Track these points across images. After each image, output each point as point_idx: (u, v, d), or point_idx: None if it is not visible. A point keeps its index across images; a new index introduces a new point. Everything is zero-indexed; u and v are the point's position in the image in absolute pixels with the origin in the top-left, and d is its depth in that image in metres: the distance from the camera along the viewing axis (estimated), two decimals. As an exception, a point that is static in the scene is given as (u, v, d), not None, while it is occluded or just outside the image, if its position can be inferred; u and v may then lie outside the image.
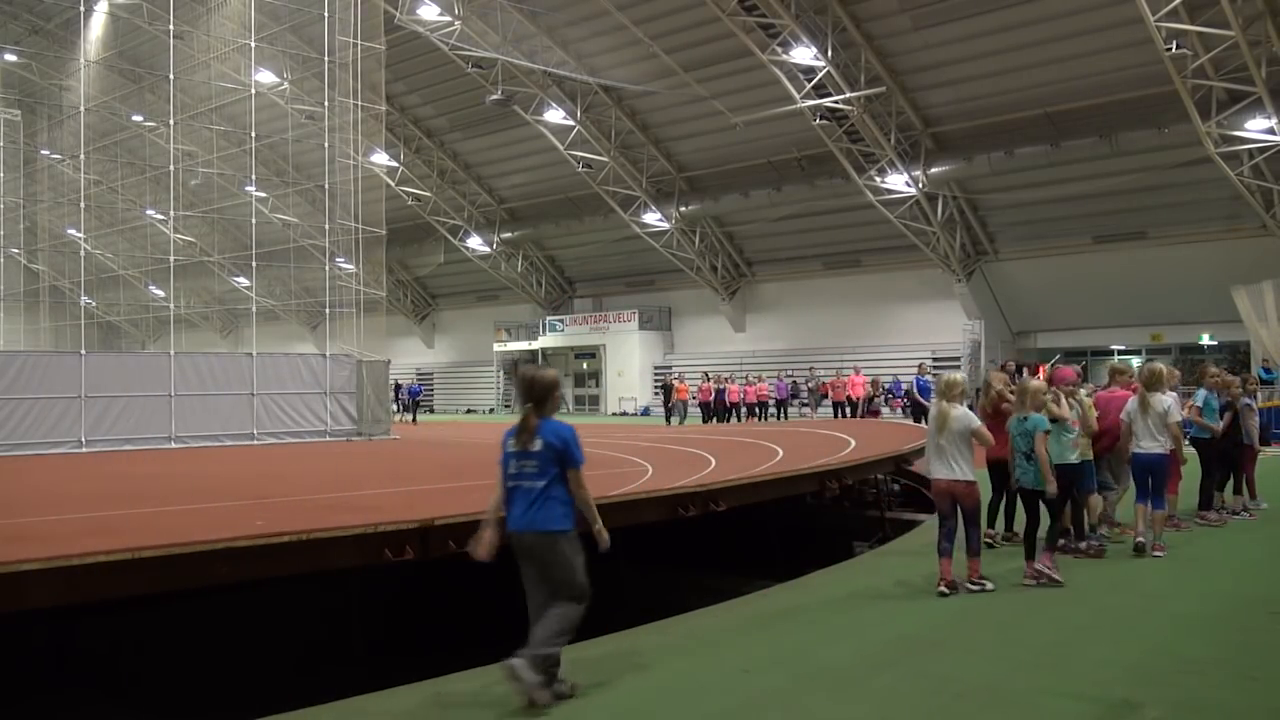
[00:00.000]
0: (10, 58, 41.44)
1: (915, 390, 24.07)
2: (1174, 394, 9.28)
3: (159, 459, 18.49)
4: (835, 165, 29.55)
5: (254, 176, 29.52)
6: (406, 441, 23.92)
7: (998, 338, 31.82)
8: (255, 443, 22.27)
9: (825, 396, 30.91)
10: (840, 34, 26.62)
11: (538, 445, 5.17)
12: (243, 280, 42.56)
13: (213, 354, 26.94)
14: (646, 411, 38.36)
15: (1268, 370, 23.14)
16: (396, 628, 9.70)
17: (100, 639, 8.42)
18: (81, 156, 29.59)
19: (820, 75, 26.74)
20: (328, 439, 23.41)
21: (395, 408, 33.67)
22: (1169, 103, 23.68)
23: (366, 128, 26.84)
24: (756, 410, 31.48)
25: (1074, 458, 8.21)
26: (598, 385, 41.97)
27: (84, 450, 20.06)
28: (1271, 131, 22.67)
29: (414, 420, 37.22)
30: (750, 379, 32.54)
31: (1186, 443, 9.51)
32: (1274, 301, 24.35)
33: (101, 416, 20.70)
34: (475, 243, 41.84)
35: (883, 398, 30.08)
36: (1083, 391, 9.14)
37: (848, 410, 29.18)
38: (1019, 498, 8.30)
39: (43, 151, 43.45)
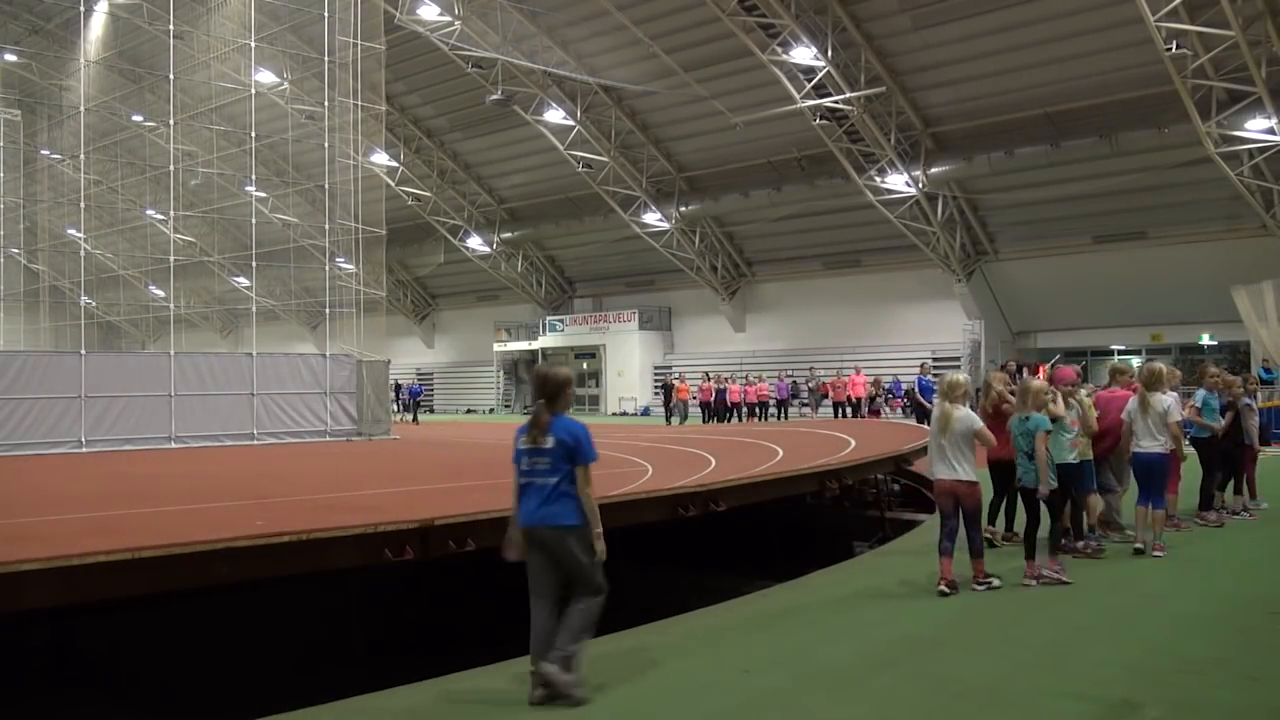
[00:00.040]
0: (10, 58, 41.43)
1: (917, 390, 24.09)
2: (1174, 394, 9.29)
3: (159, 459, 18.49)
4: (835, 165, 29.55)
5: (254, 176, 29.52)
6: (406, 441, 23.92)
7: (998, 338, 31.82)
8: (255, 443, 22.27)
9: (825, 396, 30.91)
10: (840, 34, 26.61)
11: (550, 442, 5.22)
12: (243, 280, 42.56)
13: (213, 354, 26.94)
14: (646, 411, 38.36)
15: (1268, 370, 23.13)
16: (396, 628, 9.71)
17: (100, 639, 8.42)
18: (81, 156, 29.57)
19: (820, 75, 26.73)
20: (328, 439, 23.41)
21: (395, 408, 33.69)
22: (1169, 103, 23.68)
23: (366, 128, 26.84)
24: (757, 410, 31.49)
25: (1072, 457, 8.22)
26: (598, 385, 41.96)
27: (84, 450, 20.05)
28: (1271, 131, 22.67)
29: (415, 420, 37.25)
30: (750, 379, 32.54)
31: (1186, 443, 9.51)
32: (1274, 301, 24.35)
33: (101, 416, 20.70)
34: (475, 243, 41.85)
35: (883, 398, 30.10)
36: (1083, 391, 9.14)
37: (848, 410, 29.17)
38: (1019, 497, 8.32)
39: (43, 151, 43.44)
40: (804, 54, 26.38)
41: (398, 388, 38.98)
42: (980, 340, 30.77)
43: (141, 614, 8.04)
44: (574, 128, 33.34)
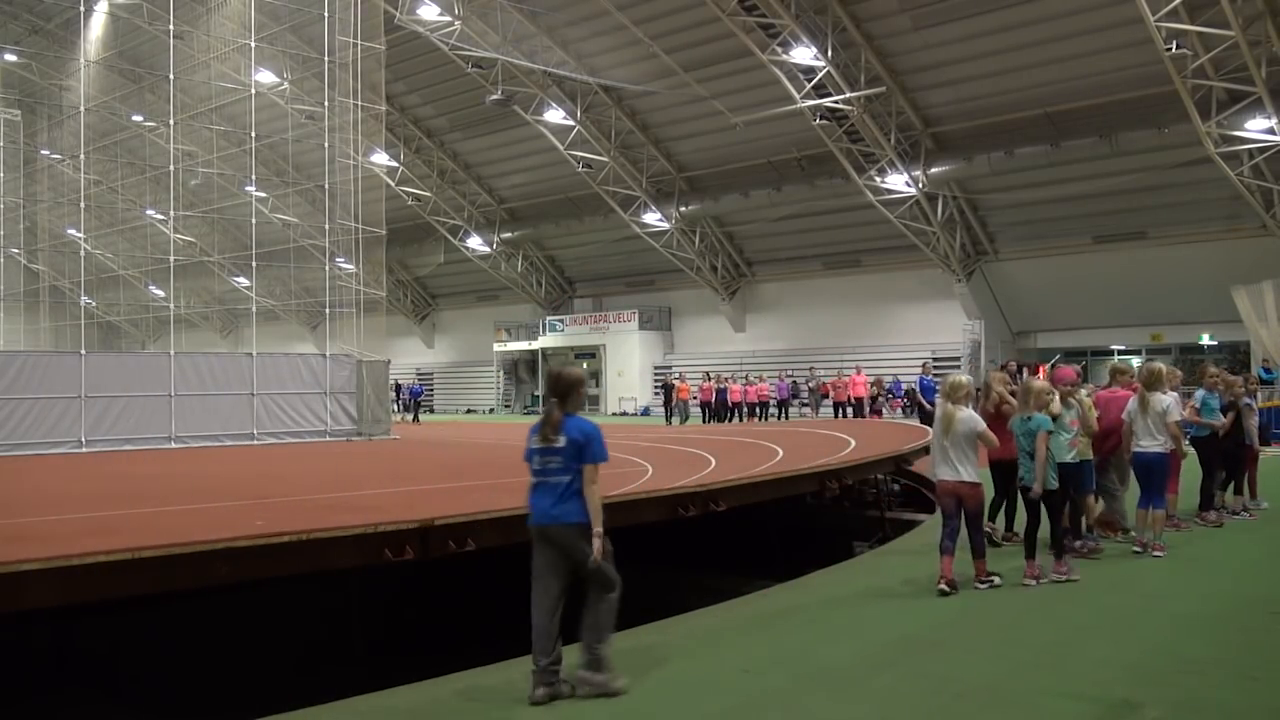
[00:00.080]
0: (10, 58, 41.43)
1: (919, 390, 24.08)
2: (1174, 394, 9.29)
3: (159, 459, 18.49)
4: (835, 165, 29.55)
5: (254, 176, 29.51)
6: (406, 441, 23.92)
7: (998, 338, 31.82)
8: (255, 443, 22.26)
9: (826, 397, 30.91)
10: (840, 34, 26.62)
11: (562, 441, 5.25)
12: (243, 280, 42.56)
13: (213, 354, 26.93)
14: (646, 411, 38.37)
15: (1268, 370, 23.14)
16: (396, 628, 9.71)
17: (100, 639, 8.42)
18: (81, 156, 29.57)
19: (820, 75, 26.73)
20: (328, 439, 23.40)
21: (395, 408, 33.68)
22: (1169, 103, 23.68)
23: (366, 128, 26.83)
24: (757, 410, 31.49)
25: (1070, 457, 8.23)
26: (598, 385, 41.92)
27: (84, 450, 20.04)
28: (1271, 131, 22.67)
29: (416, 420, 37.26)
30: (750, 379, 32.54)
31: (1186, 443, 9.52)
32: (1274, 301, 24.36)
33: (101, 416, 20.69)
34: (475, 243, 41.85)
35: (884, 398, 30.10)
36: (1083, 391, 9.15)
37: (849, 410, 29.16)
38: (1020, 497, 8.33)
39: (43, 151, 43.44)
40: (804, 54, 26.38)
41: (398, 388, 38.99)
42: (980, 340, 30.78)
43: (141, 614, 8.04)
44: (574, 128, 33.34)
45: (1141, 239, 28.76)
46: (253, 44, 26.76)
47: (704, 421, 30.98)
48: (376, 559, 7.19)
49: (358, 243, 25.98)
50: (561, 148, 33.85)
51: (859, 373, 29.81)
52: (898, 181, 29.12)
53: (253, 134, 27.22)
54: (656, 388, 38.30)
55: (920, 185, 29.09)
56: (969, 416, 7.51)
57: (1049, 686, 5.33)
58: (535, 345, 43.06)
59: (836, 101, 27.11)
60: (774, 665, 5.82)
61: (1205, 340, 28.73)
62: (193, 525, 8.61)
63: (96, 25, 37.57)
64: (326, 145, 26.87)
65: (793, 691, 5.34)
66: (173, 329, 29.01)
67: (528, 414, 43.01)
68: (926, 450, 14.15)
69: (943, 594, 7.26)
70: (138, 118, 40.67)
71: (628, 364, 40.26)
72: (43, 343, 40.09)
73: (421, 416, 38.93)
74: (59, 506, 10.83)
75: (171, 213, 29.83)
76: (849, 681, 5.55)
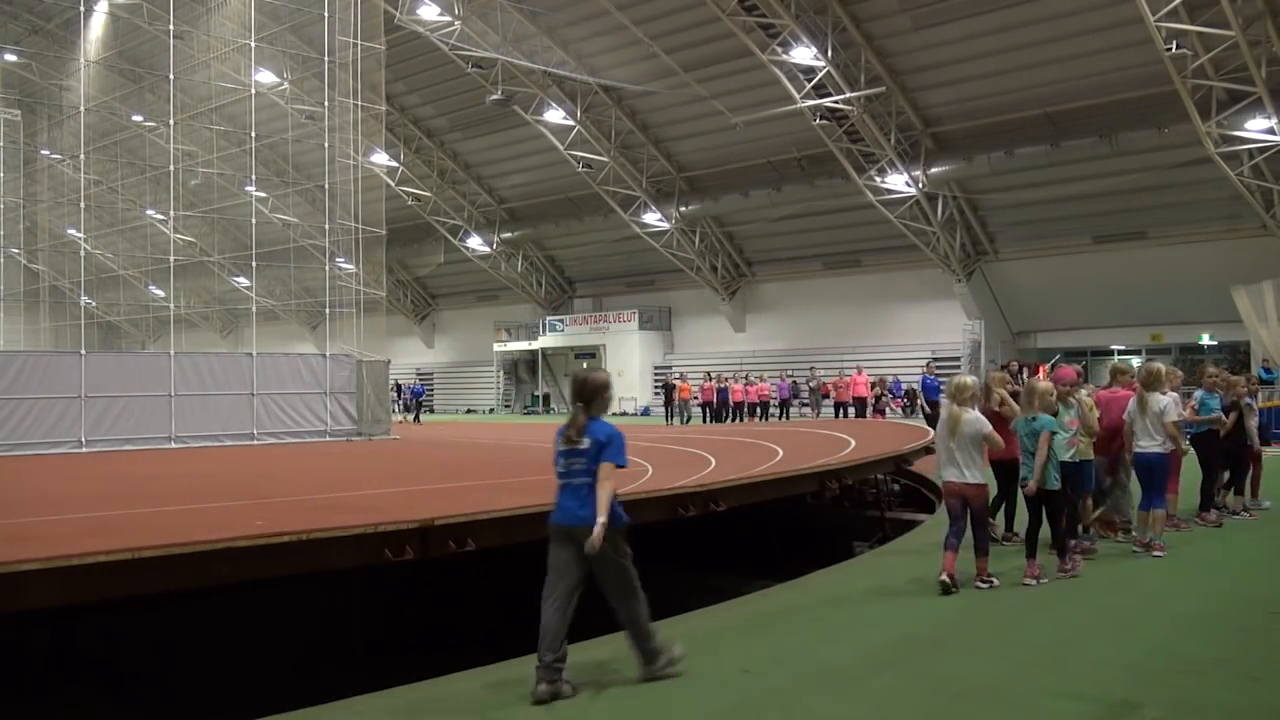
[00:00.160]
0: (10, 58, 41.43)
1: (922, 389, 24.10)
2: (1174, 394, 9.29)
3: (159, 459, 18.49)
4: (835, 165, 29.55)
5: (254, 176, 29.51)
6: (406, 441, 23.92)
7: (998, 338, 31.83)
8: (255, 443, 22.26)
9: (826, 396, 30.91)
10: (840, 34, 26.62)
11: (585, 444, 5.35)
12: (243, 280, 42.56)
13: (213, 354, 26.93)
14: (647, 411, 38.37)
15: (1268, 370, 23.14)
16: (396, 628, 9.71)
17: (100, 639, 8.42)
18: (81, 156, 29.56)
19: (820, 75, 26.74)
20: (328, 439, 23.41)
21: (395, 408, 33.67)
22: (1169, 103, 23.69)
23: (366, 128, 26.84)
24: (757, 410, 31.49)
25: (1068, 457, 8.23)
26: (598, 385, 41.91)
27: (84, 450, 20.05)
28: (1271, 131, 22.67)
29: (416, 419, 37.26)
30: (751, 379, 32.54)
31: (1186, 443, 9.51)
32: (1274, 301, 24.36)
33: (101, 416, 20.69)
34: (475, 243, 41.85)
35: (886, 398, 30.10)
36: (1083, 391, 9.15)
37: (850, 410, 29.16)
38: (1022, 496, 8.33)
39: (43, 151, 43.45)
40: (804, 54, 26.39)
41: (398, 388, 38.98)
42: (980, 340, 30.79)
43: (141, 614, 8.04)
44: (574, 128, 33.34)
45: (1141, 239, 28.77)
46: (253, 44, 26.76)
47: (704, 421, 30.98)
48: (376, 559, 7.19)
49: (358, 243, 25.99)
50: (561, 148, 33.85)
51: (859, 373, 29.81)
52: (898, 181, 29.12)
53: (253, 134, 27.22)
54: (656, 388, 38.29)
55: (920, 185, 29.09)
56: (975, 418, 7.51)
57: (1049, 686, 5.33)
58: (535, 345, 43.06)
59: (836, 101, 27.11)
60: (774, 665, 5.82)
61: (1205, 340, 28.74)
62: (193, 525, 8.61)
63: (96, 25, 37.58)
64: (326, 145, 26.88)
65: (793, 691, 5.34)
66: (173, 329, 29.02)
67: (528, 414, 43.03)
68: (926, 450, 14.21)
69: (944, 585, 7.25)
70: (138, 118, 40.67)
71: (628, 364, 40.22)
72: (43, 343, 40.10)
73: (422, 416, 38.90)
74: (59, 506, 10.83)
75: (171, 213, 29.83)
76: (849, 681, 5.55)
